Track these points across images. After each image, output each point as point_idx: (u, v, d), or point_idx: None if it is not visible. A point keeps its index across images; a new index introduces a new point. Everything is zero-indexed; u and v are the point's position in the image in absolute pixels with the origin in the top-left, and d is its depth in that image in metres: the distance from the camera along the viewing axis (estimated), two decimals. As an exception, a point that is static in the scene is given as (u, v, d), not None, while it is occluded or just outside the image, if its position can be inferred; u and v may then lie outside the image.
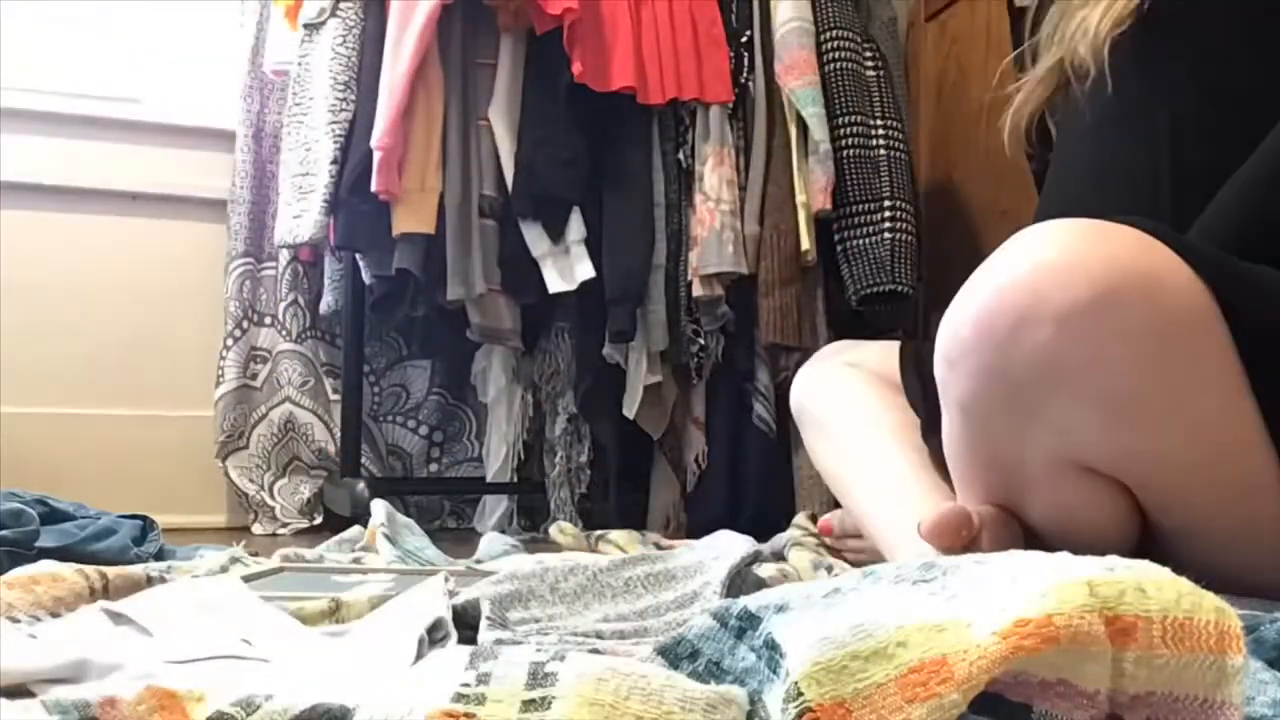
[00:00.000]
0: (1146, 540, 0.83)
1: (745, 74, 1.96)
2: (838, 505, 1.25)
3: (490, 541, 1.37)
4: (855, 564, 1.18)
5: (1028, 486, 0.81)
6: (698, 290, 1.87)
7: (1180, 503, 0.79)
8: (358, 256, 1.89)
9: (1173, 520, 0.80)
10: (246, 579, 0.94)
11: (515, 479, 2.03)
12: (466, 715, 0.41)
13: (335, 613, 0.80)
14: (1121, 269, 0.71)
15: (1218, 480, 0.77)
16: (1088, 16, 1.00)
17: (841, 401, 1.16)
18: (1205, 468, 0.77)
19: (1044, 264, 0.73)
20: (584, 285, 1.82)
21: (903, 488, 1.02)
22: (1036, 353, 0.72)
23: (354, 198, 1.77)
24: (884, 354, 1.23)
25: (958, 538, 0.80)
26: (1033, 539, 0.83)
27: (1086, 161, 1.04)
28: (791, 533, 1.40)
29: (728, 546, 1.01)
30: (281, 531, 1.97)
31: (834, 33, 1.99)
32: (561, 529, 1.59)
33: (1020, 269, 0.74)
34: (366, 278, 1.88)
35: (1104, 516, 0.80)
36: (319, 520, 2.03)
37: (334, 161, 1.76)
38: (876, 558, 1.10)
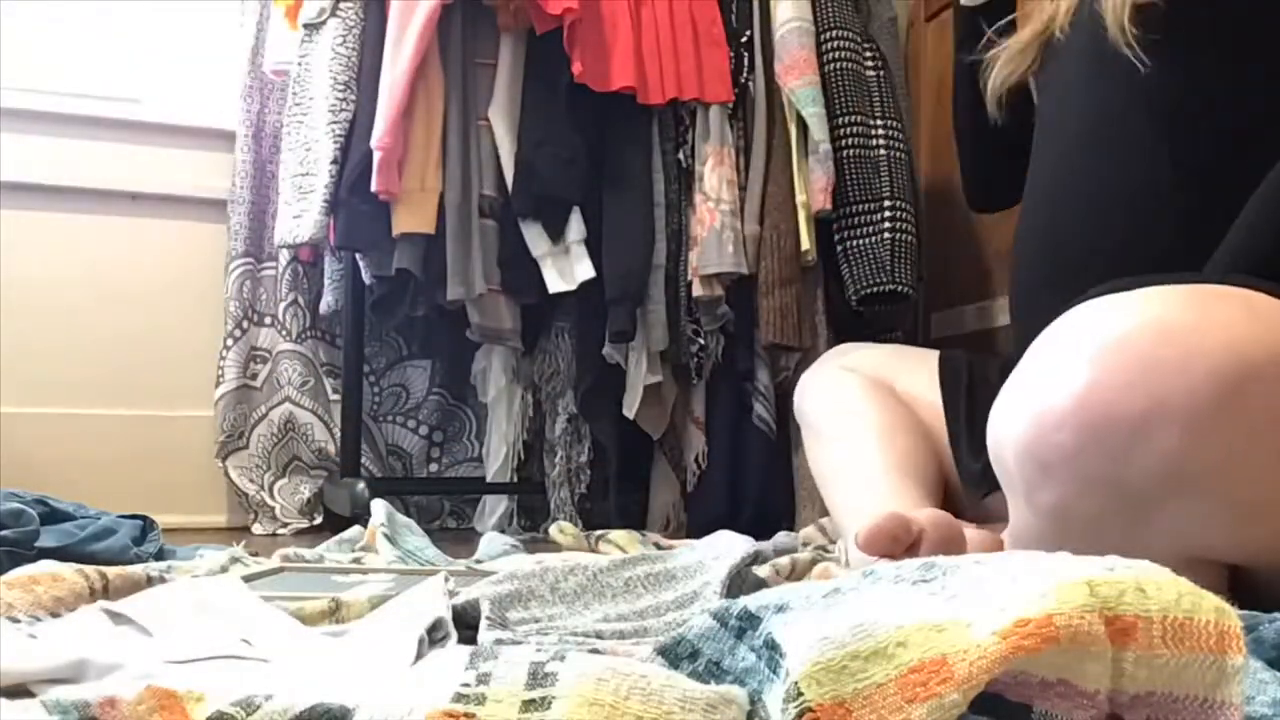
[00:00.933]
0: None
1: (745, 74, 1.96)
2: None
3: (490, 541, 1.37)
4: None
5: None
6: (698, 290, 1.87)
7: None
8: (358, 256, 1.89)
9: (1272, 576, 0.75)
10: (246, 579, 0.94)
11: (515, 479, 2.03)
12: (466, 715, 0.41)
13: (335, 613, 0.80)
14: (1244, 354, 0.64)
15: None
16: None
17: (832, 406, 1.16)
18: None
19: (1158, 359, 0.65)
20: (584, 285, 1.82)
21: (869, 488, 1.02)
22: (1159, 461, 0.65)
23: (354, 198, 1.77)
24: (880, 357, 1.23)
25: (895, 546, 0.77)
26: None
27: (1077, 137, 1.02)
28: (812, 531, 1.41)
29: (728, 546, 1.01)
30: (281, 531, 1.97)
31: (834, 33, 1.99)
32: (561, 529, 1.59)
33: (1128, 364, 0.66)
34: (366, 278, 1.88)
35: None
36: (319, 520, 2.04)
37: (334, 161, 1.76)
38: None
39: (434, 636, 0.66)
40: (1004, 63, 1.14)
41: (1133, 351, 0.66)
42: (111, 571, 0.83)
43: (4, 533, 1.04)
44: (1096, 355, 0.68)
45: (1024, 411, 0.72)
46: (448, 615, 0.70)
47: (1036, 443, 0.70)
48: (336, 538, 1.37)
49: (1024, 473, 0.72)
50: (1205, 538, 0.69)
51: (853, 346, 1.31)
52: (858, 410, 1.12)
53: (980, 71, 1.19)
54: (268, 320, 2.11)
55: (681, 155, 1.92)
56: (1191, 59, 0.94)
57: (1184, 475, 0.66)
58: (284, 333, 2.10)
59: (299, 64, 1.86)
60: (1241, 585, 0.73)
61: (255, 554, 1.18)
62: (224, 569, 1.02)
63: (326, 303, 2.06)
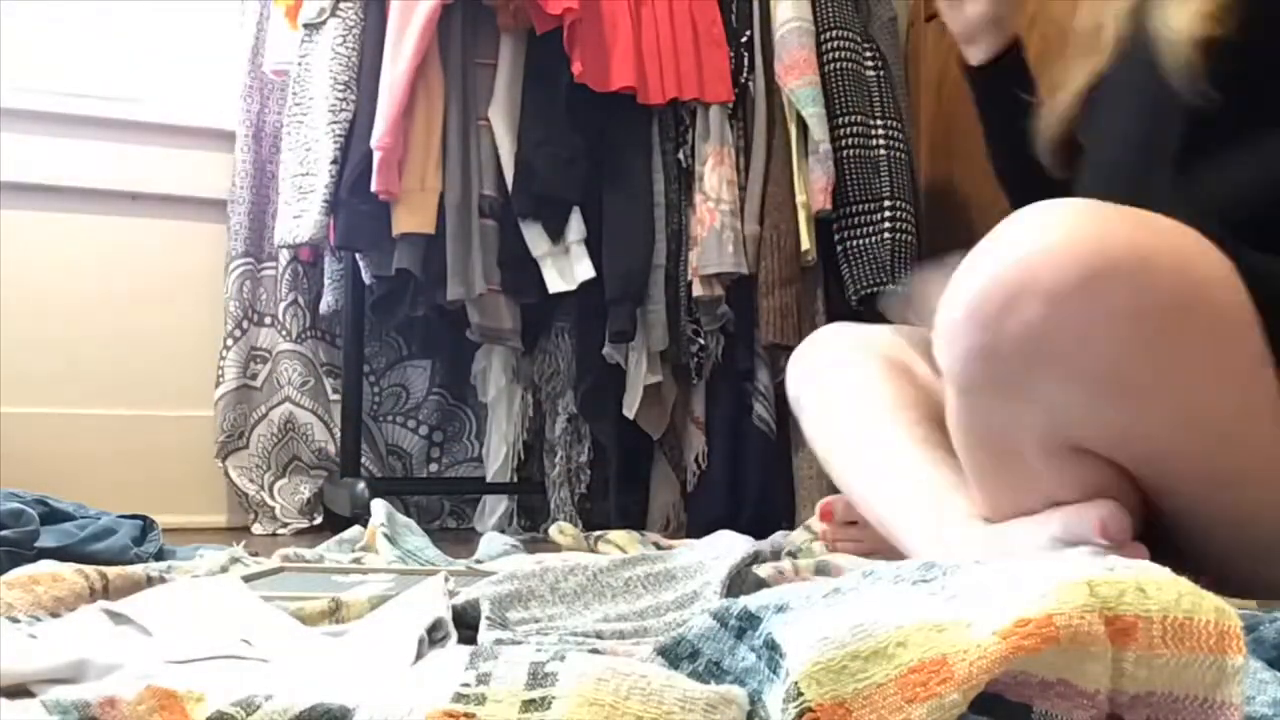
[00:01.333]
0: (1148, 528, 0.82)
1: (745, 74, 1.96)
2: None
3: (490, 541, 1.37)
4: (854, 554, 1.18)
5: (1025, 468, 0.81)
6: (698, 290, 1.87)
7: (1174, 484, 0.79)
8: (358, 256, 1.89)
9: (1169, 503, 0.80)
10: (246, 579, 0.94)
11: (515, 479, 2.03)
12: (466, 715, 0.41)
13: (335, 613, 0.80)
14: (1111, 249, 0.72)
15: (1209, 462, 0.78)
16: (1167, 14, 0.91)
17: (850, 387, 1.13)
18: (1195, 449, 0.77)
19: (1035, 245, 0.74)
20: (584, 285, 1.82)
21: (932, 493, 0.99)
22: (1026, 332, 0.74)
23: (354, 198, 1.77)
24: (892, 336, 1.22)
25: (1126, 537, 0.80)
26: None
27: (1129, 176, 0.99)
28: (802, 535, 1.40)
29: (728, 546, 1.01)
30: (281, 531, 1.97)
31: (834, 33, 1.99)
32: (561, 529, 1.59)
33: (1012, 250, 0.75)
34: (366, 278, 1.88)
35: (1104, 495, 0.79)
36: (319, 520, 2.03)
37: (334, 161, 1.76)
38: (878, 545, 1.10)
39: (434, 636, 0.66)
40: (1051, 125, 1.12)
41: (1017, 239, 0.76)
42: (111, 571, 0.83)
43: (4, 533, 1.04)
44: (990, 246, 0.78)
45: (941, 309, 0.81)
46: (448, 615, 0.70)
47: (943, 324, 0.80)
48: (336, 538, 1.37)
49: (937, 354, 0.82)
50: (1069, 415, 0.77)
51: (849, 326, 1.29)
52: (880, 396, 1.11)
53: (1023, 129, 1.15)
54: (268, 320, 2.11)
55: (681, 155, 1.92)
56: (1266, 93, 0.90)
57: (1046, 347, 0.74)
58: (284, 333, 2.10)
59: (299, 64, 1.86)
60: (1163, 541, 0.79)
61: (255, 554, 1.18)
62: (224, 569, 1.02)
63: (326, 303, 2.06)
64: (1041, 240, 0.74)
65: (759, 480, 1.90)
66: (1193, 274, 0.74)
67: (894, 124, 2.00)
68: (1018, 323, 0.74)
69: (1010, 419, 0.79)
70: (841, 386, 1.15)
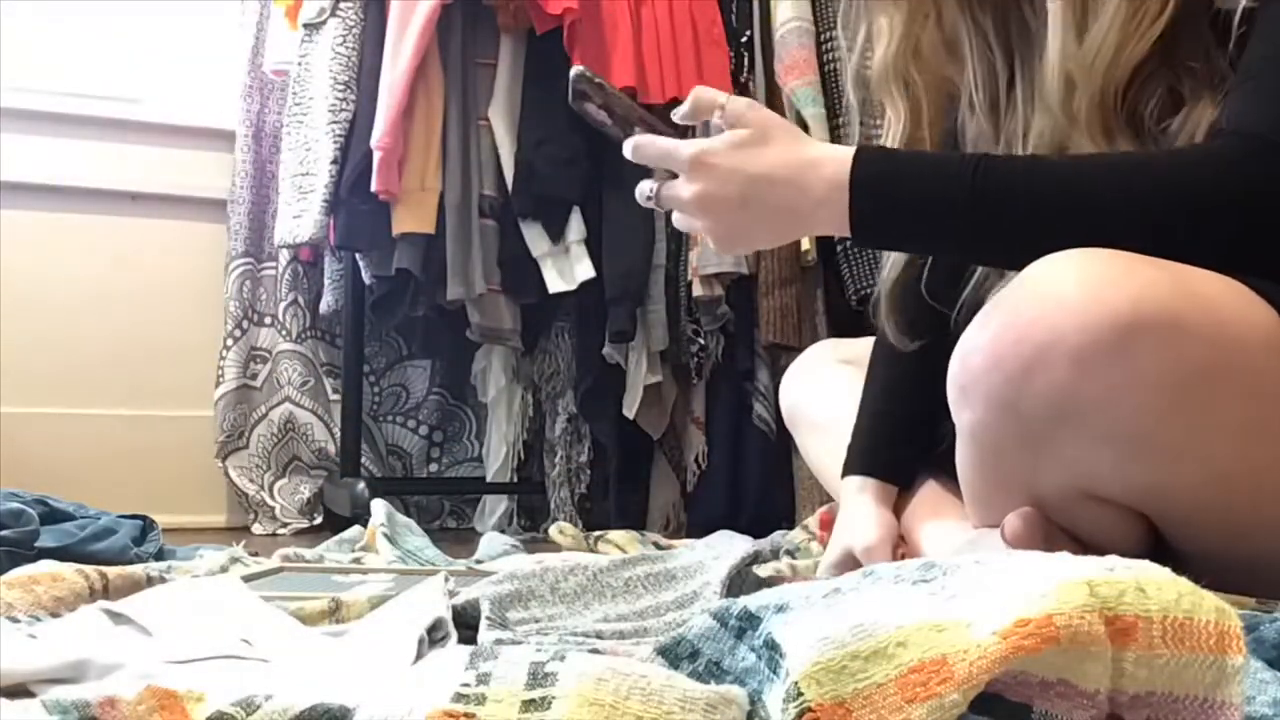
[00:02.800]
0: (1161, 557, 0.81)
1: (745, 74, 1.96)
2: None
3: (490, 541, 1.37)
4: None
5: (1039, 510, 0.80)
6: (698, 290, 1.87)
7: (1194, 532, 0.77)
8: (358, 256, 1.89)
9: (1187, 545, 0.79)
10: (246, 579, 0.94)
11: (515, 479, 2.03)
12: (466, 715, 0.41)
13: (335, 613, 0.80)
14: (1143, 309, 0.69)
15: (1232, 514, 0.76)
16: None
17: (840, 402, 1.15)
18: (1219, 504, 0.75)
19: (1064, 301, 0.70)
20: (584, 285, 1.82)
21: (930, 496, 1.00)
22: (1050, 391, 0.71)
23: (354, 198, 1.77)
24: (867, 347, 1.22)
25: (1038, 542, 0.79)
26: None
27: None
28: (800, 534, 1.40)
29: (728, 546, 1.01)
30: (281, 531, 1.97)
31: (834, 32, 1.99)
32: (561, 529, 1.59)
33: (1039, 303, 0.72)
34: (366, 278, 1.88)
35: (1117, 538, 0.78)
36: (319, 520, 2.03)
37: (334, 161, 1.76)
38: None
39: (434, 636, 0.66)
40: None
41: (1045, 291, 0.72)
42: (111, 571, 0.83)
43: (4, 533, 1.04)
44: (1019, 295, 0.74)
45: (958, 347, 0.79)
46: (448, 615, 0.70)
47: (960, 369, 0.77)
48: (336, 538, 1.37)
49: (951, 396, 0.79)
50: (1092, 472, 0.75)
51: (840, 342, 1.30)
52: (844, 376, 1.12)
53: None
54: (268, 320, 2.11)
55: (681, 155, 1.92)
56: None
57: (1071, 408, 0.71)
58: (284, 333, 2.10)
59: (299, 64, 1.86)
60: (1168, 551, 0.78)
61: (255, 554, 1.18)
62: (224, 569, 1.02)
63: (326, 303, 2.06)
64: (1071, 296, 0.70)
65: (759, 480, 1.90)
66: (1228, 335, 0.71)
67: (894, 124, 2.00)
68: (1042, 381, 0.71)
69: (1026, 468, 0.77)
70: (833, 402, 1.15)
